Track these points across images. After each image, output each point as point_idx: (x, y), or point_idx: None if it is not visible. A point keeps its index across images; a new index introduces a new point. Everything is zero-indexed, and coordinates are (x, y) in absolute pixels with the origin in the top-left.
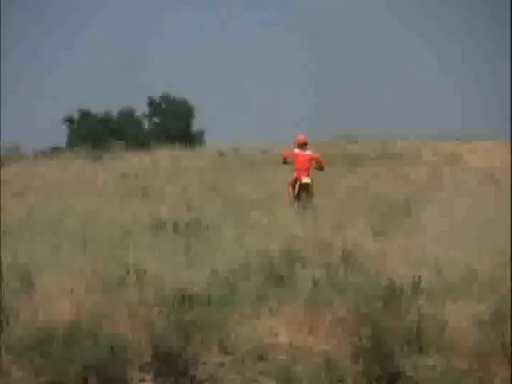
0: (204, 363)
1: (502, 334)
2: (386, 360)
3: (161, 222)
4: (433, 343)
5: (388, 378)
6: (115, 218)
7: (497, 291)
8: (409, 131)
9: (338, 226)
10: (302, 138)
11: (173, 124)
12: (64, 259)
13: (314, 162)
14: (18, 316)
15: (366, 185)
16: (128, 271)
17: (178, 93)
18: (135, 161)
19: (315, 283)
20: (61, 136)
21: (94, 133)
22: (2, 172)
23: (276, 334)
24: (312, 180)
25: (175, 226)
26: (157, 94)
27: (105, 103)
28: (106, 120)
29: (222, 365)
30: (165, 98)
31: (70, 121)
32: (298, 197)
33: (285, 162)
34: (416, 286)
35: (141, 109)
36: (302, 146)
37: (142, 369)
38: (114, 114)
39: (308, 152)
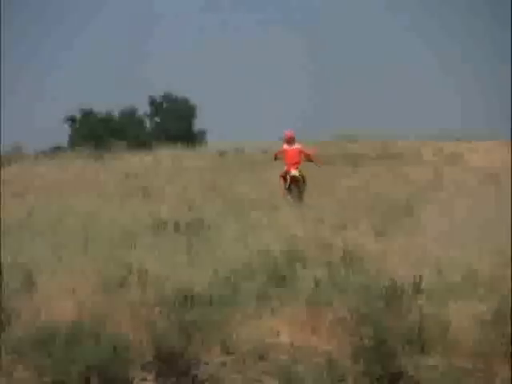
0: (206, 363)
1: (503, 334)
2: (387, 360)
3: (162, 222)
4: (434, 343)
5: (389, 378)
6: (116, 218)
7: (498, 291)
8: (409, 131)
9: (338, 226)
10: (288, 133)
11: (174, 124)
12: (65, 259)
13: (303, 156)
14: (20, 316)
15: (366, 185)
16: (129, 271)
17: (180, 92)
18: (136, 161)
19: (316, 283)
20: (62, 136)
21: (95, 132)
22: (2, 172)
23: (277, 334)
24: (302, 172)
25: (176, 225)
26: (158, 94)
27: (106, 103)
28: (107, 120)
29: (223, 364)
30: (166, 97)
31: (72, 120)
32: (289, 189)
33: (275, 158)
34: (417, 286)
35: (142, 108)
36: (290, 141)
37: (143, 368)
38: (116, 113)
39: (296, 146)
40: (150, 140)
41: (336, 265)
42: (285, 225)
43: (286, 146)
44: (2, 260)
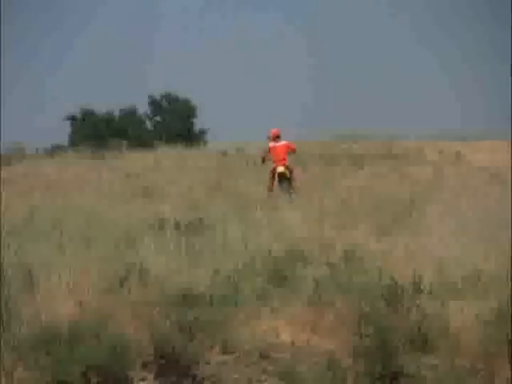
0: (206, 362)
1: (505, 334)
2: (388, 359)
3: (164, 222)
4: (435, 342)
5: (390, 378)
6: (118, 218)
7: (501, 291)
8: (409, 131)
9: (340, 225)
10: (275, 131)
11: (175, 123)
12: (66, 259)
13: (289, 150)
14: (22, 316)
15: (370, 185)
16: (130, 271)
17: (180, 92)
18: (138, 160)
19: (317, 283)
20: (62, 135)
21: (96, 132)
22: (6, 172)
23: (278, 334)
24: (290, 166)
25: (178, 225)
26: (159, 94)
27: (106, 103)
28: (108, 119)
29: (224, 364)
30: (167, 97)
31: (73, 119)
32: (280, 185)
33: (263, 161)
34: (417, 286)
35: (142, 108)
36: (276, 138)
37: (143, 368)
38: (116, 113)
39: (282, 143)
40: (150, 140)
41: (337, 264)
42: (287, 225)
43: (271, 144)
44: (5, 260)
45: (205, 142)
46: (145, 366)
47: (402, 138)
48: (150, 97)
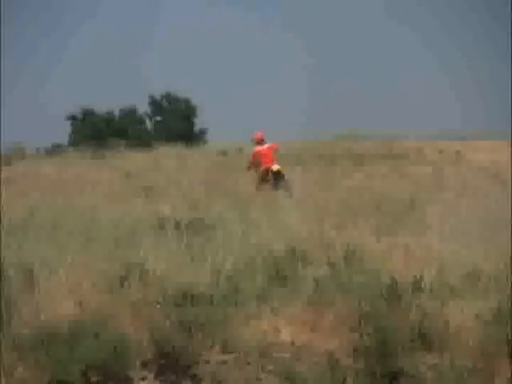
0: (206, 362)
1: (505, 334)
2: (388, 359)
3: (164, 222)
4: (436, 342)
5: (390, 377)
6: (118, 218)
7: (501, 291)
8: (411, 131)
9: (341, 225)
10: (260, 135)
11: (175, 123)
12: (67, 259)
13: (274, 151)
14: (22, 315)
15: (370, 184)
16: (131, 270)
17: (180, 92)
18: (138, 160)
19: (318, 283)
20: (62, 135)
21: (97, 132)
22: (6, 171)
23: (278, 333)
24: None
25: (178, 225)
26: (159, 93)
27: (106, 103)
28: (108, 119)
29: (224, 363)
30: (167, 97)
31: (73, 119)
32: (277, 183)
33: (249, 168)
34: (417, 285)
35: (143, 108)
36: (261, 142)
37: (143, 367)
38: (116, 113)
39: (267, 145)
40: (150, 139)
41: (337, 264)
42: (286, 224)
43: (258, 148)
44: (5, 260)
45: (205, 142)
46: (145, 365)
47: (402, 138)
48: (150, 97)
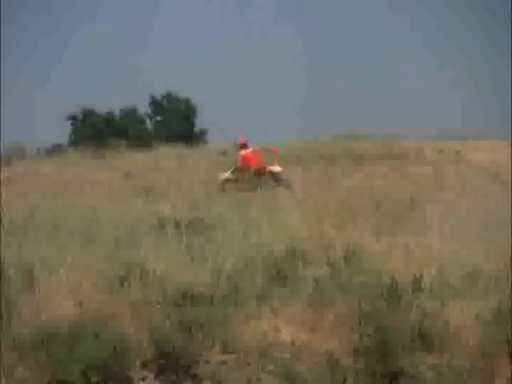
0: (206, 362)
1: (505, 334)
2: (388, 359)
3: (164, 221)
4: (436, 342)
5: (391, 377)
6: (118, 218)
7: (501, 291)
8: (411, 131)
9: (341, 225)
10: (244, 139)
11: (175, 123)
12: (67, 259)
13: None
14: (22, 315)
15: (370, 184)
16: (131, 270)
17: (181, 92)
18: (138, 160)
19: (318, 283)
20: (62, 135)
21: (97, 132)
22: (6, 171)
23: (278, 333)
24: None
25: (178, 225)
26: (159, 94)
27: (107, 103)
28: (109, 119)
29: (224, 363)
30: (167, 97)
31: (73, 119)
32: (278, 184)
33: (234, 171)
34: (417, 285)
35: (143, 108)
36: (244, 146)
37: (144, 367)
38: (117, 113)
39: (250, 149)
40: (150, 139)
41: (337, 264)
42: (287, 224)
43: (243, 152)
44: (5, 259)
45: (205, 142)
46: (145, 365)
47: (402, 138)
48: (150, 97)
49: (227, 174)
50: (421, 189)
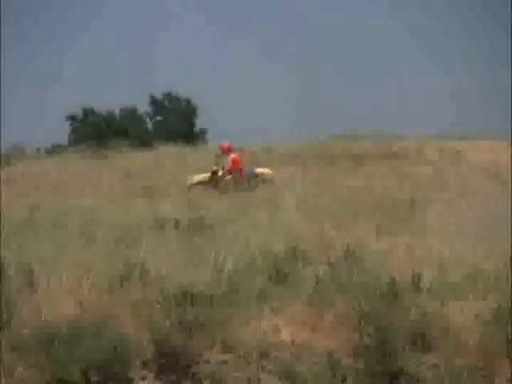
0: (206, 361)
1: (505, 334)
2: (388, 358)
3: (164, 221)
4: (436, 342)
5: (391, 377)
6: (119, 217)
7: (501, 291)
8: (411, 131)
9: (341, 225)
10: (227, 144)
11: (176, 123)
12: (67, 258)
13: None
14: (22, 315)
15: (370, 184)
16: (131, 270)
17: (182, 92)
18: (138, 160)
19: (318, 282)
20: (62, 135)
21: (97, 131)
22: (6, 171)
23: (278, 333)
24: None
25: (179, 224)
26: (160, 93)
27: (107, 102)
28: (109, 119)
29: (224, 363)
30: (168, 96)
31: (73, 118)
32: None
33: (225, 174)
34: (417, 285)
35: (143, 108)
36: (228, 151)
37: (144, 367)
38: (117, 112)
39: (233, 154)
40: (151, 139)
41: (338, 264)
42: (287, 224)
43: (233, 155)
44: (5, 259)
45: (205, 142)
46: (145, 365)
47: (402, 138)
48: (150, 96)
49: (200, 177)
50: (421, 189)
